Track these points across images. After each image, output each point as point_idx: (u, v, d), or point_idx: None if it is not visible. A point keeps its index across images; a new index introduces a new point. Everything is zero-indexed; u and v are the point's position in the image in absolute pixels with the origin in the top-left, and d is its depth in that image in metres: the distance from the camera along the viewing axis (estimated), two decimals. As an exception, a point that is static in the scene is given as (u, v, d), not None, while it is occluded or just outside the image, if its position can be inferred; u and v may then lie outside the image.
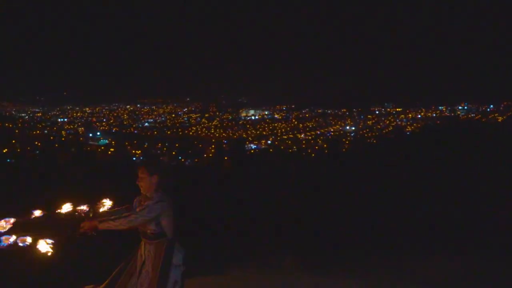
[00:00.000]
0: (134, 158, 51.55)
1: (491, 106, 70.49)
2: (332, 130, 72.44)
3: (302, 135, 70.60)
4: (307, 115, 77.29)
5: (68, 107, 75.26)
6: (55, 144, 53.41)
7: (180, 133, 71.24)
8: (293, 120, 75.92)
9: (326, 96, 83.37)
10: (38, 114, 72.29)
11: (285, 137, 69.92)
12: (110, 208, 4.09)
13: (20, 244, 3.73)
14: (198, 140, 66.05)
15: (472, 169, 16.50)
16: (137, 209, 3.93)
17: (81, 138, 62.80)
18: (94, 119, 73.27)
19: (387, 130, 68.00)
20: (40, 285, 6.14)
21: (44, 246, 3.72)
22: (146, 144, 61.63)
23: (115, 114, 75.78)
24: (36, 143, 53.32)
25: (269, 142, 67.48)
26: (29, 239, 3.74)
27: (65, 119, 71.94)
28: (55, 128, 63.61)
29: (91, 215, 3.94)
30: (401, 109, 74.91)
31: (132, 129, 72.11)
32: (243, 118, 77.94)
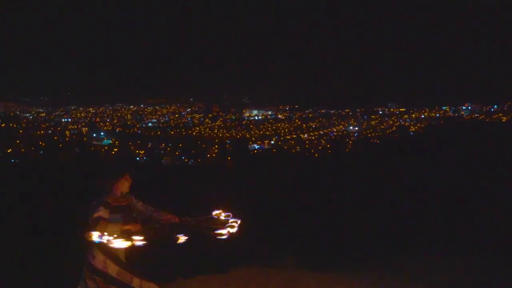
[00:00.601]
0: (137, 158, 51.70)
1: (495, 106, 70.20)
2: (335, 130, 72.37)
3: (305, 135, 70.54)
4: (310, 115, 77.23)
5: (72, 107, 75.46)
6: (59, 144, 53.62)
7: (184, 133, 71.32)
8: (296, 120, 75.89)
9: (329, 96, 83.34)
10: (42, 114, 72.49)
11: (288, 137, 69.89)
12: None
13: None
14: (201, 140, 66.12)
15: (475, 169, 16.53)
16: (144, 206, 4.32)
17: (85, 138, 62.99)
18: (98, 119, 73.40)
19: (390, 130, 67.91)
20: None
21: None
22: (150, 144, 61.73)
23: (118, 115, 75.93)
24: (40, 143, 53.55)
25: (272, 142, 67.47)
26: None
27: (69, 119, 72.12)
28: (59, 128, 63.77)
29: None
30: (404, 109, 74.73)
31: (135, 129, 72.22)
32: (246, 118, 77.94)
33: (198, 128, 73.44)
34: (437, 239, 8.60)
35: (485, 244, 7.93)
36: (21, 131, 56.46)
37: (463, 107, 72.85)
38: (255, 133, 71.46)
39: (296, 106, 79.77)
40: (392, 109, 75.70)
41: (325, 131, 72.16)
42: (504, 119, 63.41)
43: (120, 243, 3.83)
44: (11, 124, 58.11)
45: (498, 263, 6.73)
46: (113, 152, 56.50)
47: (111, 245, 3.85)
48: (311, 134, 71.07)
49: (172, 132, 71.12)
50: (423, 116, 72.91)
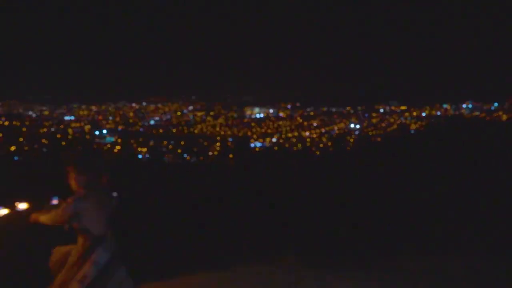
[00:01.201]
0: (139, 156, 51.85)
1: (496, 104, 70.07)
2: (336, 128, 72.36)
3: (307, 133, 70.56)
4: (311, 113, 77.23)
5: (75, 105, 75.59)
6: (62, 142, 53.72)
7: (185, 131, 71.36)
8: (298, 118, 75.89)
9: (330, 94, 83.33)
10: (45, 113, 72.64)
11: (290, 135, 69.90)
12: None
13: None
14: (203, 138, 66.16)
15: (476, 167, 16.58)
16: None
17: (87, 136, 63.10)
18: (101, 117, 73.50)
19: (391, 128, 67.94)
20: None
21: None
22: (152, 142, 61.82)
23: (121, 113, 76.00)
24: (43, 141, 53.66)
25: (274, 140, 67.50)
26: None
27: (72, 117, 72.23)
28: (62, 126, 63.85)
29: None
30: (405, 107, 74.65)
31: (138, 127, 72.30)
32: (248, 116, 77.99)
33: (200, 126, 73.49)
34: (438, 239, 8.61)
35: (485, 244, 7.96)
36: (24, 129, 56.55)
37: (464, 105, 72.77)
38: (257, 131, 71.50)
39: (298, 104, 79.77)
40: (393, 107, 75.64)
41: (327, 129, 72.19)
42: (504, 117, 63.34)
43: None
44: (14, 122, 58.22)
45: (498, 263, 6.72)
46: (115, 150, 56.70)
47: None
48: (313, 132, 71.10)
49: (174, 130, 71.17)
50: (424, 114, 72.85)
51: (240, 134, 69.48)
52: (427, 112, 72.95)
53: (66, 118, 71.23)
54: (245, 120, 76.50)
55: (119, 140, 62.03)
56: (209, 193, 12.18)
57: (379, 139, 58.97)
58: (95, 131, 65.34)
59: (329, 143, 63.58)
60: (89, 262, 3.99)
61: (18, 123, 58.23)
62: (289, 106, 79.36)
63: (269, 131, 71.25)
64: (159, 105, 78.92)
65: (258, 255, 6.98)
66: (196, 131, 71.67)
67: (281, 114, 78.20)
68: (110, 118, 73.92)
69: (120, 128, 70.24)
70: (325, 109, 77.50)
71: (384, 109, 75.72)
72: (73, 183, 4.12)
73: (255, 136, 68.37)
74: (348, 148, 54.26)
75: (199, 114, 77.69)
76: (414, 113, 73.18)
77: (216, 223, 9.45)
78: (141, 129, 71.20)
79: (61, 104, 75.19)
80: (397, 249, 7.79)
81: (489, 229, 8.82)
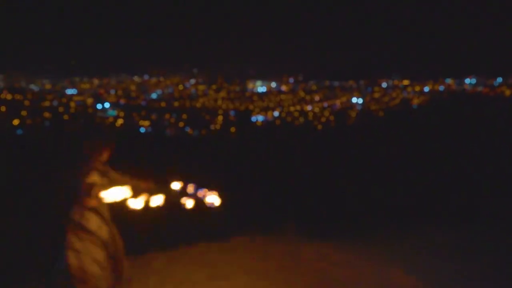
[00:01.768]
0: (142, 130, 51.92)
1: (500, 79, 69.40)
2: (339, 102, 72.11)
3: (309, 107, 70.38)
4: (314, 87, 76.90)
5: (77, 78, 75.19)
6: (64, 115, 53.77)
7: (187, 104, 71.21)
8: (300, 92, 75.60)
9: (333, 68, 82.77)
10: (48, 86, 72.33)
11: (292, 109, 69.74)
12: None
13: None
14: (205, 111, 66.05)
15: (478, 143, 16.62)
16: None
17: (89, 109, 63.02)
18: (103, 91, 73.25)
19: (394, 103, 67.68)
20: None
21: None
22: (154, 115, 61.76)
23: (123, 86, 75.73)
24: (46, 115, 53.71)
25: (275, 114, 67.39)
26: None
27: (74, 90, 71.88)
28: (64, 100, 63.70)
29: None
30: (408, 82, 74.15)
31: (139, 101, 72.13)
32: (250, 89, 77.69)
33: (202, 100, 73.29)
34: (438, 210, 8.67)
35: (487, 214, 8.07)
36: (27, 102, 56.50)
37: (467, 80, 72.17)
38: (259, 104, 71.31)
39: (300, 78, 79.38)
40: (395, 82, 75.14)
41: (329, 103, 71.96)
42: (507, 92, 62.91)
43: (136, 203, 3.68)
44: (17, 96, 58.12)
45: (501, 232, 6.87)
46: (117, 124, 56.69)
47: (130, 206, 3.68)
48: (315, 106, 70.89)
49: (176, 104, 71.00)
50: (426, 88, 72.36)
51: (242, 108, 69.30)
52: (430, 86, 72.47)
53: (68, 91, 70.90)
54: (247, 93, 76.23)
55: (121, 114, 61.97)
56: (210, 165, 12.22)
57: (381, 113, 58.94)
58: (97, 104, 65.20)
59: (332, 117, 63.52)
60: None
61: (21, 97, 58.11)
62: (291, 80, 78.98)
63: (271, 105, 71.03)
64: (161, 78, 78.58)
65: (258, 227, 7.02)
66: (198, 104, 71.50)
67: (283, 87, 77.88)
68: (112, 91, 73.65)
69: (122, 101, 70.04)
70: (327, 83, 77.11)
71: (387, 82, 75.25)
72: (106, 158, 4.04)
73: (257, 110, 68.19)
74: (350, 122, 54.18)
75: (201, 87, 77.42)
76: (417, 88, 72.72)
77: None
78: (143, 103, 71.05)
79: (63, 77, 74.71)
80: (401, 219, 7.86)
81: (490, 201, 8.93)
